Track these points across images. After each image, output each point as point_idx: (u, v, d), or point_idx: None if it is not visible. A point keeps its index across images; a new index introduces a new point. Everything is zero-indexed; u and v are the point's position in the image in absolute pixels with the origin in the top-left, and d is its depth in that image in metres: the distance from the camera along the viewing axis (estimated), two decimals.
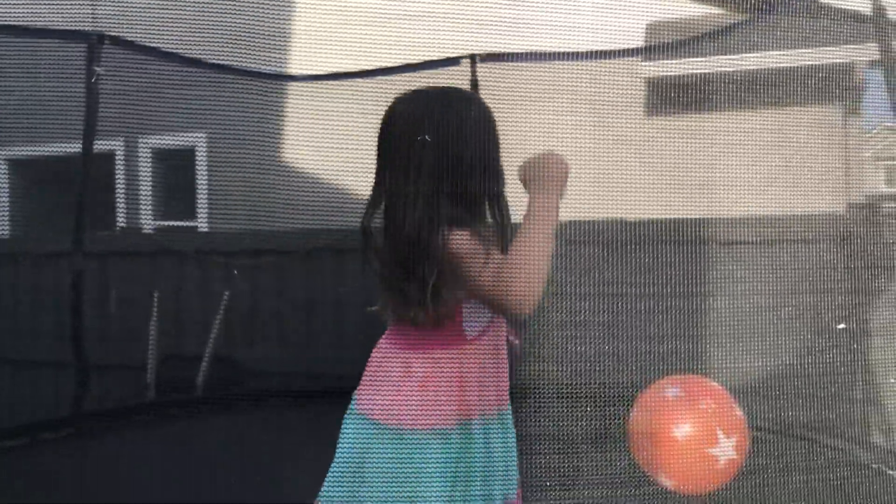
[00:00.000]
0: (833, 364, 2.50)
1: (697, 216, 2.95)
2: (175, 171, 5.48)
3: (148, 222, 5.21)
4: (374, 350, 1.45)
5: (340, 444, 1.40)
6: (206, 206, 5.23)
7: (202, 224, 5.24)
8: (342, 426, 1.41)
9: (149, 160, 5.37)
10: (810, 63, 2.83)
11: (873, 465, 2.38)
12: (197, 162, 5.36)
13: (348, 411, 1.42)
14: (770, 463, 1.99)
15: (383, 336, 1.45)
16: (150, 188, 5.27)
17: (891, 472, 2.32)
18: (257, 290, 4.35)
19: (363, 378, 1.43)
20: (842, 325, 2.57)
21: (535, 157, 1.34)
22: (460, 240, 1.28)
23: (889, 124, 3.67)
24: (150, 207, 5.23)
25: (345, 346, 3.86)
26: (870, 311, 2.64)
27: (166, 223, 5.46)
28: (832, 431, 2.51)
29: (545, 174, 1.31)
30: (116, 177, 5.34)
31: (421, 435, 1.33)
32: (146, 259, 4.53)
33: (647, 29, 3.67)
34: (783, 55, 2.83)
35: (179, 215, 5.49)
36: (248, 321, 4.33)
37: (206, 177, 5.29)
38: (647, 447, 1.76)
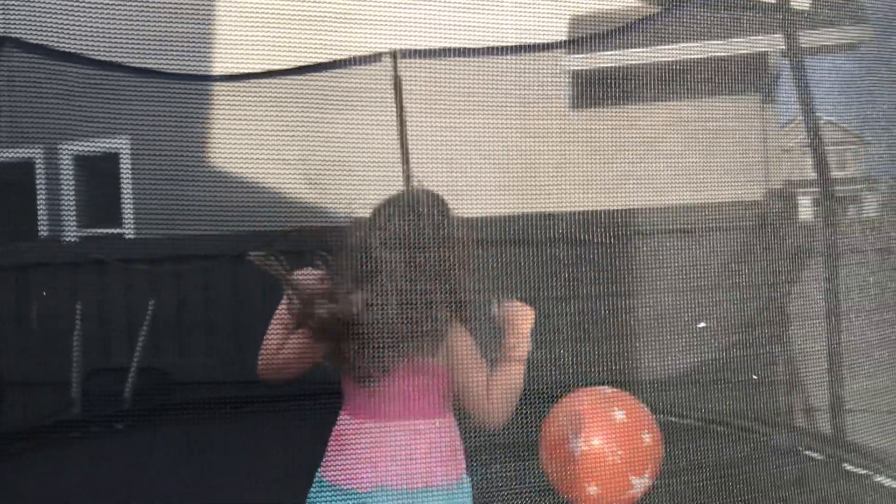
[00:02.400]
0: (756, 351, 2.55)
1: (621, 207, 2.97)
2: (98, 177, 5.31)
3: (71, 231, 5.02)
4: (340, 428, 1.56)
5: None
6: (132, 212, 5.07)
7: (128, 231, 5.08)
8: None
9: (70, 167, 5.19)
10: (728, 53, 2.88)
11: (798, 449, 2.44)
12: (121, 167, 5.19)
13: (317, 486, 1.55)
14: (698, 453, 2.01)
15: (345, 412, 1.57)
16: (73, 196, 5.10)
17: (814, 455, 2.38)
18: (185, 297, 4.23)
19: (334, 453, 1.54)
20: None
21: (507, 305, 1.56)
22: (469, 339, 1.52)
23: (804, 113, 3.77)
24: (73, 216, 5.05)
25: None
26: (789, 297, 2.71)
27: (90, 231, 5.27)
28: (755, 418, 2.56)
29: (516, 321, 1.54)
30: (37, 185, 5.15)
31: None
32: (69, 269, 4.36)
33: (569, 22, 3.70)
34: (702, 46, 2.88)
35: (104, 223, 5.31)
36: (175, 330, 4.21)
37: (130, 182, 5.13)
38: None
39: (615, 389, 2.04)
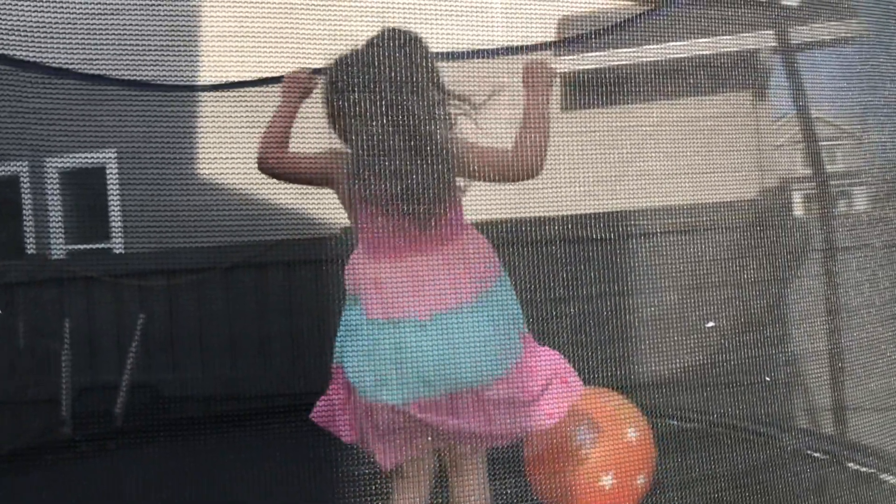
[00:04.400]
0: (754, 351, 2.52)
1: (614, 209, 2.94)
2: (85, 191, 5.24)
3: (58, 247, 4.96)
4: (365, 267, 1.63)
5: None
6: (120, 226, 5.01)
7: (116, 246, 5.02)
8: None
9: (56, 182, 5.13)
10: (719, 51, 2.86)
11: (795, 448, 2.40)
12: (108, 181, 5.13)
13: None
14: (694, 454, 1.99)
15: (366, 252, 1.63)
16: (60, 211, 5.03)
17: (816, 455, 2.35)
18: (176, 311, 4.17)
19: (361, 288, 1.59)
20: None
21: (528, 62, 1.66)
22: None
23: (797, 109, 3.75)
24: (60, 231, 4.98)
25: (270, 365, 3.74)
26: (786, 296, 2.68)
27: (78, 247, 5.20)
28: (757, 419, 2.53)
29: (537, 76, 1.62)
30: (23, 201, 5.08)
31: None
32: (56, 285, 4.30)
33: (558, 23, 3.67)
34: (691, 44, 2.85)
35: (91, 238, 5.25)
36: (167, 345, 4.15)
37: (118, 196, 5.07)
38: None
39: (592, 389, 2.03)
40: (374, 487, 1.64)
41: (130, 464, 3.20)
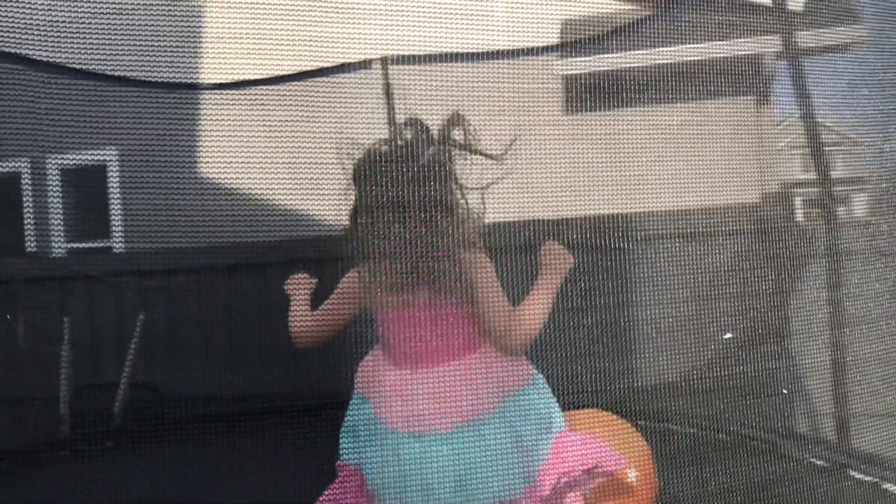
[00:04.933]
0: (759, 357, 2.51)
1: (617, 213, 2.94)
2: (86, 189, 5.23)
3: (59, 245, 4.95)
4: (368, 366, 1.68)
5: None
6: (121, 225, 5.00)
7: (117, 244, 5.01)
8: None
9: (57, 180, 5.11)
10: (721, 56, 2.85)
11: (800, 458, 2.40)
12: (109, 179, 5.12)
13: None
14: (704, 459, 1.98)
15: (375, 354, 1.67)
16: (61, 209, 5.02)
17: (818, 463, 2.34)
18: (176, 310, 4.16)
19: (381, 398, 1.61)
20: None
21: (550, 245, 1.67)
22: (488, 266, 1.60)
23: (799, 114, 3.75)
24: (60, 229, 4.97)
25: (271, 366, 3.73)
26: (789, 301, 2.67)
27: (79, 245, 5.19)
28: (760, 426, 2.52)
29: (557, 261, 1.65)
30: (24, 199, 5.08)
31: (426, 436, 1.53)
32: (57, 283, 4.28)
33: (561, 26, 3.66)
34: (695, 49, 2.85)
35: (92, 236, 5.24)
36: (167, 344, 4.14)
37: (119, 194, 5.06)
38: None
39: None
40: None
41: (129, 463, 3.19)
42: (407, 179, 1.58)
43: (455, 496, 1.51)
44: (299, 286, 1.89)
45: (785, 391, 2.31)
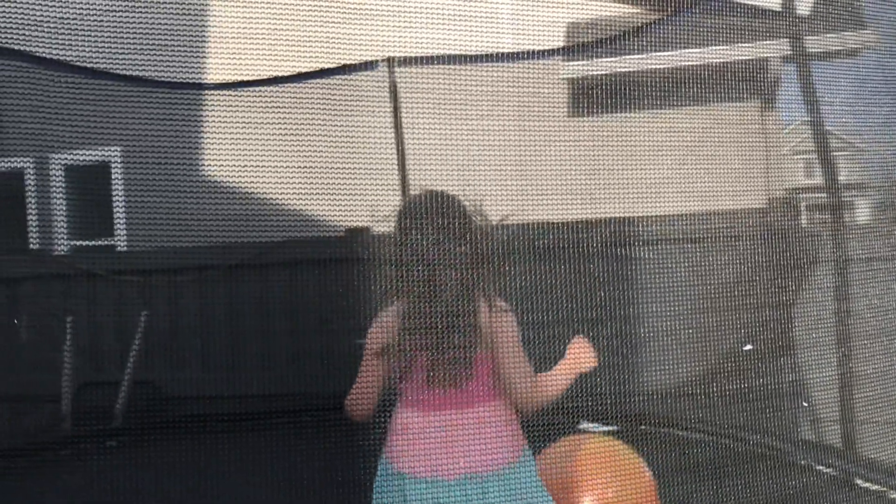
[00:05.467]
0: (764, 361, 2.50)
1: (622, 216, 2.93)
2: (90, 187, 5.23)
3: (62, 242, 4.94)
4: (397, 418, 1.69)
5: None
6: (124, 223, 4.99)
7: (120, 242, 5.00)
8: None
9: (61, 177, 5.11)
10: (727, 60, 2.85)
11: (801, 462, 2.39)
12: (112, 177, 5.12)
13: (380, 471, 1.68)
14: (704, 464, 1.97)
15: (402, 405, 1.69)
16: (64, 206, 5.02)
17: (820, 468, 2.33)
18: (178, 309, 4.15)
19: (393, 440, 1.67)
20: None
21: (580, 341, 1.74)
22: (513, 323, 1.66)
23: (804, 119, 3.74)
24: (63, 227, 4.97)
25: (272, 366, 3.72)
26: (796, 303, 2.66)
27: (82, 243, 5.19)
28: (762, 430, 2.51)
29: (582, 356, 1.71)
30: (27, 196, 5.08)
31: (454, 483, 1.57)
32: (59, 281, 4.28)
33: (566, 29, 3.66)
34: (700, 53, 2.84)
35: (95, 234, 5.23)
36: (169, 343, 4.14)
37: (122, 193, 5.06)
38: None
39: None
40: None
41: (132, 461, 3.18)
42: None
43: None
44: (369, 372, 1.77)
45: (805, 404, 2.30)
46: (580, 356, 1.71)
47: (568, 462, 1.97)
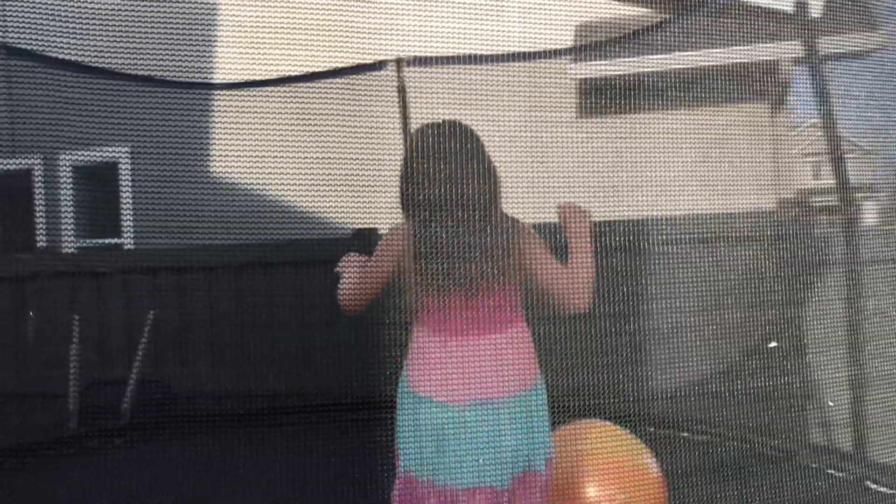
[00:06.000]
0: (772, 364, 2.49)
1: (631, 217, 2.91)
2: (98, 186, 5.24)
3: (70, 241, 4.95)
4: (416, 340, 1.69)
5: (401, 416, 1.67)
6: (132, 222, 5.01)
7: (127, 241, 5.01)
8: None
9: (69, 176, 5.13)
10: (737, 61, 2.84)
11: (812, 465, 2.38)
12: (120, 177, 5.13)
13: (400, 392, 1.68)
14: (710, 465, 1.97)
15: (421, 326, 1.67)
16: (72, 205, 5.03)
17: (831, 472, 2.31)
18: (186, 308, 4.16)
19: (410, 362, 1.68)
20: (773, 344, 2.57)
21: (565, 206, 1.74)
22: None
23: (815, 121, 3.72)
24: (71, 226, 4.98)
25: (280, 365, 3.72)
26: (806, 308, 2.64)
27: (90, 242, 5.20)
28: (771, 433, 2.50)
29: (577, 218, 1.71)
30: (35, 195, 5.09)
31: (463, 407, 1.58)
32: (67, 280, 4.29)
33: (575, 30, 3.65)
34: (710, 54, 2.83)
35: (103, 233, 5.24)
36: (176, 341, 4.14)
37: (130, 192, 5.07)
38: None
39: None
40: None
41: (138, 460, 3.19)
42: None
43: (511, 456, 1.59)
44: (350, 263, 1.87)
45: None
46: (575, 219, 1.71)
47: (572, 449, 1.95)
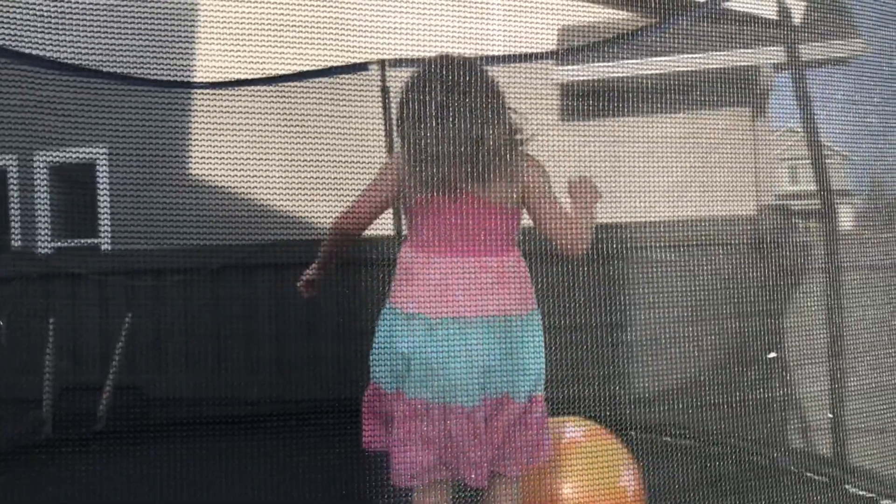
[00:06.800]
0: (753, 368, 2.50)
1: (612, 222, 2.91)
2: (74, 187, 5.17)
3: (45, 243, 4.88)
4: (402, 256, 1.69)
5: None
6: (109, 223, 4.94)
7: (104, 243, 4.94)
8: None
9: (45, 176, 5.05)
10: (718, 66, 2.85)
11: (792, 469, 2.39)
12: (98, 177, 5.06)
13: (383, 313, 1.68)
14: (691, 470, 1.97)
15: (409, 244, 1.69)
16: (48, 206, 4.96)
17: (810, 475, 2.33)
18: (163, 311, 4.10)
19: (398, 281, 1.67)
20: (772, 354, 2.58)
21: (573, 180, 1.75)
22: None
23: (792, 126, 3.76)
24: (47, 226, 4.91)
25: (257, 370, 3.69)
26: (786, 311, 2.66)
27: (66, 243, 5.12)
28: (749, 436, 2.51)
29: (582, 194, 1.72)
30: (10, 195, 5.01)
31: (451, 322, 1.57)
32: (42, 282, 4.22)
33: (558, 33, 3.65)
34: (691, 59, 2.85)
35: (79, 234, 5.17)
36: (153, 346, 4.08)
37: (107, 193, 5.00)
38: None
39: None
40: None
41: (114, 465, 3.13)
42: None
43: (495, 378, 1.59)
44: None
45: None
46: (581, 197, 1.72)
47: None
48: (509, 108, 1.70)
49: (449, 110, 1.60)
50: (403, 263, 1.69)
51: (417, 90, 1.66)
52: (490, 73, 1.71)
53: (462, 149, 1.58)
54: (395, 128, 1.71)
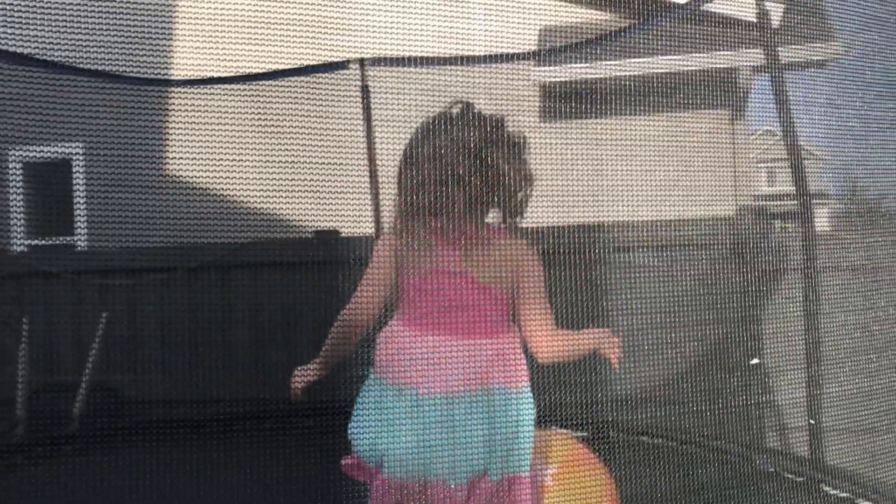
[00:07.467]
0: (731, 368, 2.51)
1: (592, 222, 2.92)
2: (49, 184, 5.09)
3: (19, 240, 4.79)
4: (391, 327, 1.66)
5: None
6: (85, 221, 4.87)
7: (80, 241, 4.87)
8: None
9: (19, 173, 4.97)
10: (697, 68, 2.86)
11: (770, 469, 2.40)
12: (74, 174, 4.98)
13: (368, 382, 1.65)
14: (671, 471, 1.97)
15: (403, 320, 1.64)
16: (22, 203, 4.88)
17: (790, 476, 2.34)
18: (139, 311, 4.05)
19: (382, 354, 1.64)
20: (755, 361, 2.59)
21: (607, 334, 1.68)
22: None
23: (769, 128, 3.78)
24: (21, 224, 4.83)
25: (233, 370, 3.65)
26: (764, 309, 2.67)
27: (40, 241, 5.04)
28: (729, 437, 2.52)
29: (607, 343, 1.66)
30: None
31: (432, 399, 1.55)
32: (15, 281, 4.15)
33: (539, 34, 3.65)
34: (671, 60, 2.85)
35: (55, 232, 5.09)
36: (129, 345, 4.03)
37: (83, 190, 4.93)
38: None
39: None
40: None
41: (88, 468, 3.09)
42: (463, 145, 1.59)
43: (485, 457, 1.56)
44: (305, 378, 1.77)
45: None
46: (605, 341, 1.67)
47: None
48: (520, 190, 1.64)
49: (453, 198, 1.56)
50: (394, 337, 1.65)
51: (419, 164, 1.62)
52: (506, 151, 1.65)
53: (464, 231, 1.57)
54: (397, 188, 1.67)
